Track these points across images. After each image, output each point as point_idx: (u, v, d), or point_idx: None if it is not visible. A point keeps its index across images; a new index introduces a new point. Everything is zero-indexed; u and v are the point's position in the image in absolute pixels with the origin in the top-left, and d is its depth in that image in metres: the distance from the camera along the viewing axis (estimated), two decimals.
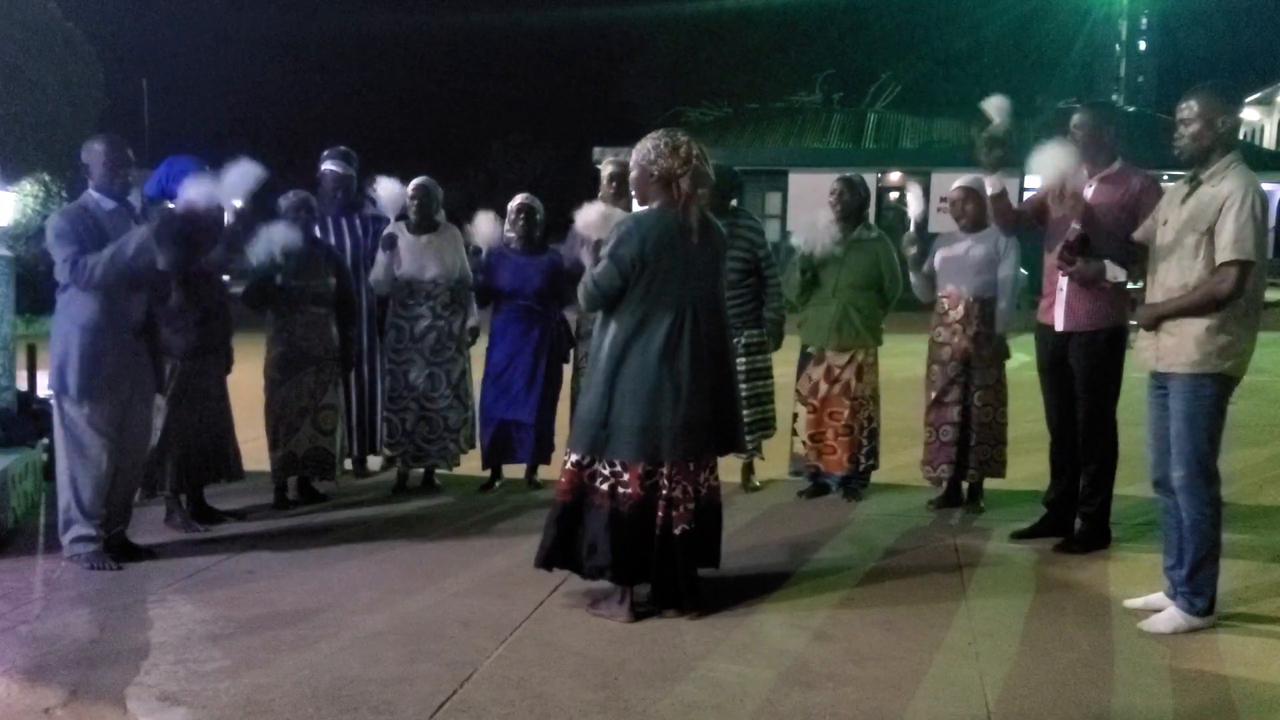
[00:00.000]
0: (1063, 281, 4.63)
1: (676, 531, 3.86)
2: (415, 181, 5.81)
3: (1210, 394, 3.77)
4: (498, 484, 5.93)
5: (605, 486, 3.87)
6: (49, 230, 4.35)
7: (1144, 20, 49.23)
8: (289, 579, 4.35)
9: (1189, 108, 3.78)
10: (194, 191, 4.43)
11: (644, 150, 3.89)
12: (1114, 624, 3.94)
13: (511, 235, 5.79)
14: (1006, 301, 5.24)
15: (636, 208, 4.05)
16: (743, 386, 5.51)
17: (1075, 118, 4.66)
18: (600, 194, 5.70)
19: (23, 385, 6.14)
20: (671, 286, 3.82)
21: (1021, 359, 5.44)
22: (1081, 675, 3.48)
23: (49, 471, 5.28)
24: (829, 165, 20.85)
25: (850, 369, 5.55)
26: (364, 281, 5.91)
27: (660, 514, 3.85)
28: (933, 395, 5.40)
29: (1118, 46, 43.59)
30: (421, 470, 5.92)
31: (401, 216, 5.80)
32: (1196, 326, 3.75)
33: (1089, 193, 4.59)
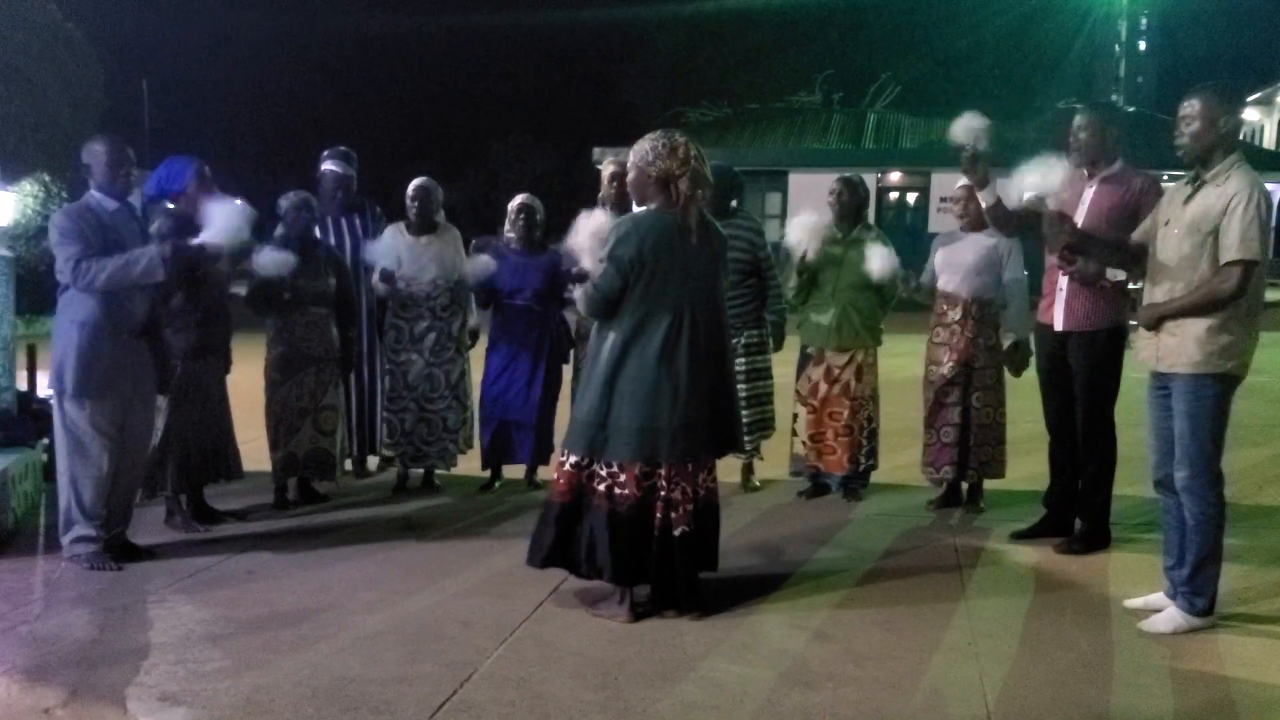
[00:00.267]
0: (1063, 281, 4.63)
1: (675, 532, 3.86)
2: (415, 182, 5.81)
3: (1212, 394, 3.76)
4: (497, 484, 5.93)
5: (603, 487, 3.87)
6: (53, 228, 4.35)
7: (1144, 20, 49.26)
8: (289, 579, 4.35)
9: (1191, 107, 3.77)
10: (216, 234, 4.45)
11: (642, 151, 3.89)
12: (1114, 624, 3.94)
13: (511, 235, 5.79)
14: (1017, 305, 5.24)
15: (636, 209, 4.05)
16: (742, 387, 5.53)
17: (1078, 118, 4.66)
18: (600, 194, 5.70)
19: (23, 385, 6.14)
20: (670, 287, 3.82)
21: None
22: (1081, 675, 3.48)
23: (49, 472, 5.28)
24: (829, 165, 20.88)
25: (850, 369, 5.56)
26: (364, 282, 5.91)
27: (659, 515, 3.85)
28: (932, 396, 5.40)
29: (1118, 47, 43.59)
30: (421, 470, 5.92)
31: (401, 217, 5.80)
32: (1198, 326, 3.75)
33: (1090, 193, 4.60)
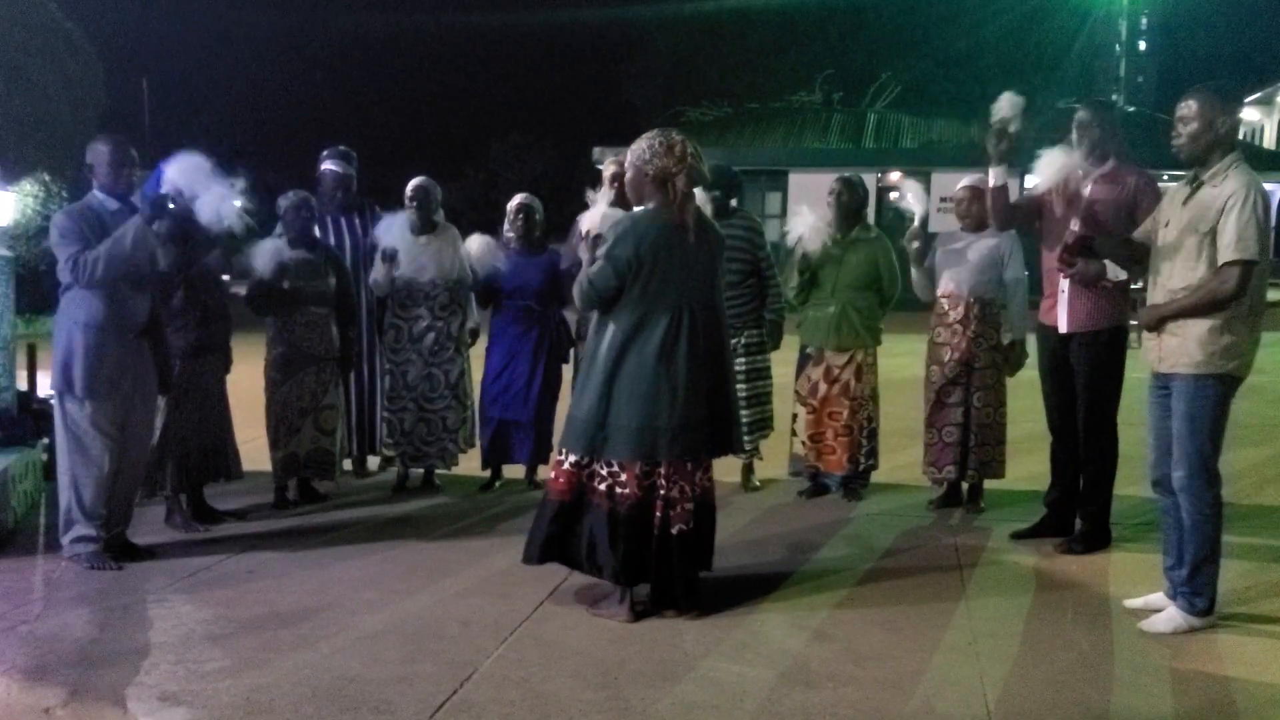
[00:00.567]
0: (1064, 283, 4.63)
1: (674, 531, 3.86)
2: (414, 182, 5.80)
3: (1213, 395, 3.76)
4: (497, 484, 5.93)
5: (603, 487, 3.87)
6: (53, 228, 4.36)
7: (1144, 20, 49.25)
8: (289, 579, 4.35)
9: (1188, 107, 3.77)
10: (188, 184, 4.45)
11: (639, 150, 3.90)
12: (1114, 624, 3.94)
13: (511, 235, 5.79)
14: (1018, 306, 5.24)
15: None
16: (742, 386, 5.53)
17: (1079, 116, 4.66)
18: (601, 194, 5.69)
19: (23, 385, 6.14)
20: (669, 287, 3.82)
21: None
22: (1081, 675, 3.48)
23: (49, 471, 5.28)
24: (829, 165, 20.85)
25: (849, 369, 5.55)
26: (364, 282, 5.91)
27: (658, 514, 3.85)
28: (934, 396, 5.40)
29: (1118, 46, 43.61)
30: (421, 470, 5.92)
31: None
32: (1199, 327, 3.74)
33: (1086, 191, 4.60)
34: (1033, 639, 3.78)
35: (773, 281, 5.69)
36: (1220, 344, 3.73)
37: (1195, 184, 3.83)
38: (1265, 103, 39.85)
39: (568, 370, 5.85)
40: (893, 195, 23.62)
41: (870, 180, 6.27)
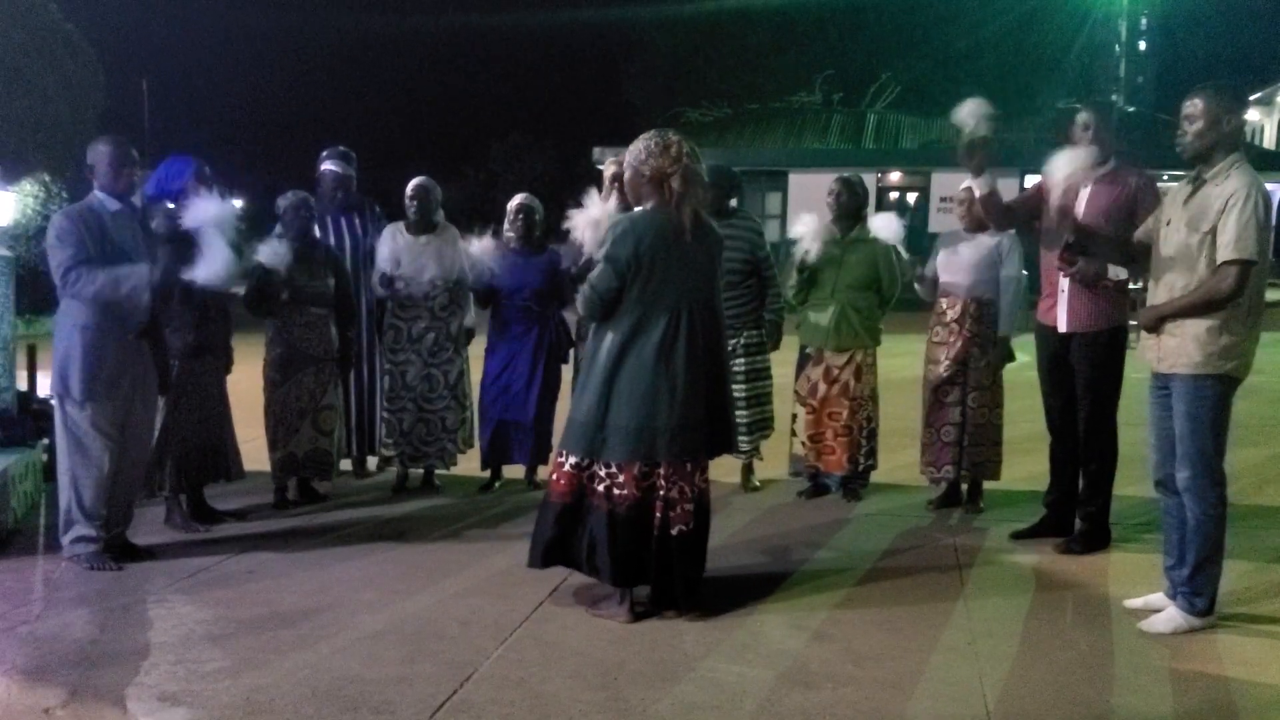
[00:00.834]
0: (1064, 282, 4.62)
1: (674, 532, 3.86)
2: (414, 181, 5.80)
3: (1213, 395, 3.76)
4: (497, 484, 5.93)
5: (602, 488, 3.87)
6: (51, 230, 4.35)
7: (1144, 21, 49.23)
8: (289, 579, 4.35)
9: (1193, 106, 3.76)
10: (208, 273, 4.46)
11: (635, 151, 3.90)
12: (1114, 624, 3.94)
13: (510, 235, 5.79)
14: (1007, 302, 5.23)
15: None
16: (742, 387, 5.54)
17: (1081, 117, 4.65)
18: (601, 194, 5.69)
19: (23, 385, 6.14)
20: (668, 287, 3.82)
21: (1023, 359, 5.43)
22: (1081, 675, 3.48)
23: (49, 472, 5.28)
24: (829, 165, 20.86)
25: (849, 369, 5.55)
26: (363, 282, 5.91)
27: (658, 515, 3.85)
28: (931, 395, 5.40)
29: (1117, 47, 43.59)
30: (421, 470, 5.92)
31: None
32: (1199, 327, 3.74)
33: (1086, 192, 4.60)
34: (1032, 639, 3.78)
35: (772, 282, 5.69)
36: (1219, 344, 3.72)
37: (1197, 183, 3.82)
38: (1265, 103, 39.88)
39: (567, 371, 5.85)
40: (893, 195, 23.65)
41: (870, 180, 6.28)
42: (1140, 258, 4.11)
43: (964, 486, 5.50)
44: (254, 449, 5.54)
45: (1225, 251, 3.66)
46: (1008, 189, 4.82)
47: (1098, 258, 4.29)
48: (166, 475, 4.99)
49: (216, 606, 4.01)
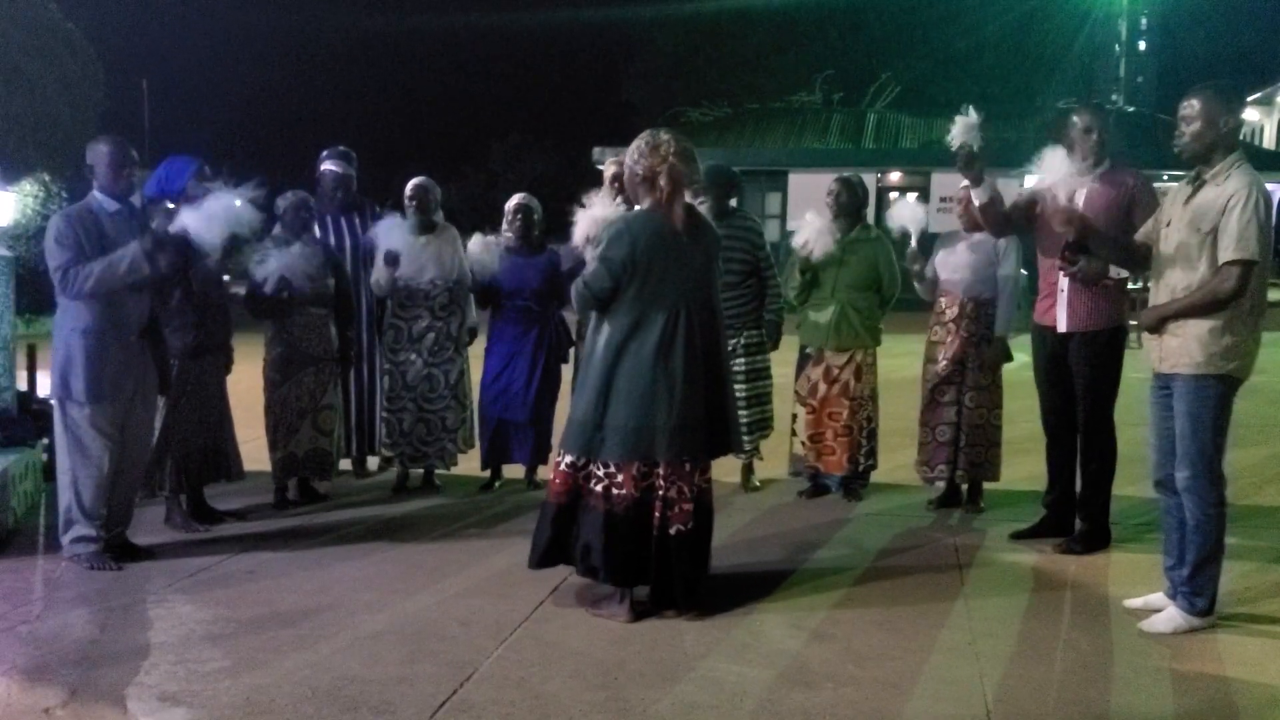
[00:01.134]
0: (1063, 282, 4.62)
1: (672, 532, 3.86)
2: (414, 181, 5.80)
3: (1214, 395, 3.76)
4: (497, 484, 5.93)
5: (600, 488, 3.87)
6: (49, 232, 4.35)
7: (1144, 21, 49.22)
8: (289, 579, 4.35)
9: (1191, 106, 3.77)
10: (191, 220, 4.41)
11: (630, 151, 3.93)
12: (1114, 624, 3.94)
13: (509, 235, 5.79)
14: (1005, 302, 5.23)
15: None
16: (742, 387, 5.54)
17: (1076, 120, 4.66)
18: (602, 194, 5.68)
19: (23, 385, 6.13)
20: (665, 287, 3.82)
21: (1022, 359, 5.44)
22: (1081, 675, 3.48)
23: (49, 472, 5.28)
24: (829, 165, 20.86)
25: (849, 369, 5.55)
26: (363, 282, 5.91)
27: (657, 515, 3.85)
28: (928, 395, 5.40)
29: (1117, 47, 43.60)
30: (421, 470, 5.92)
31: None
32: (1200, 328, 3.74)
33: (1081, 194, 4.60)
34: (1032, 639, 3.78)
35: (772, 282, 5.69)
36: (1221, 344, 3.72)
37: (1197, 183, 3.82)
38: (1265, 103, 39.86)
39: (567, 370, 5.85)
40: (892, 196, 23.65)
41: (870, 180, 6.27)
42: (1142, 258, 4.11)
43: (964, 487, 5.50)
44: (254, 449, 5.54)
45: (1227, 252, 3.66)
46: (1008, 189, 4.82)
47: (1100, 257, 4.29)
48: (166, 475, 4.99)
49: (216, 606, 4.01)
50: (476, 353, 5.95)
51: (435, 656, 3.54)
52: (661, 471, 3.84)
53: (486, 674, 3.42)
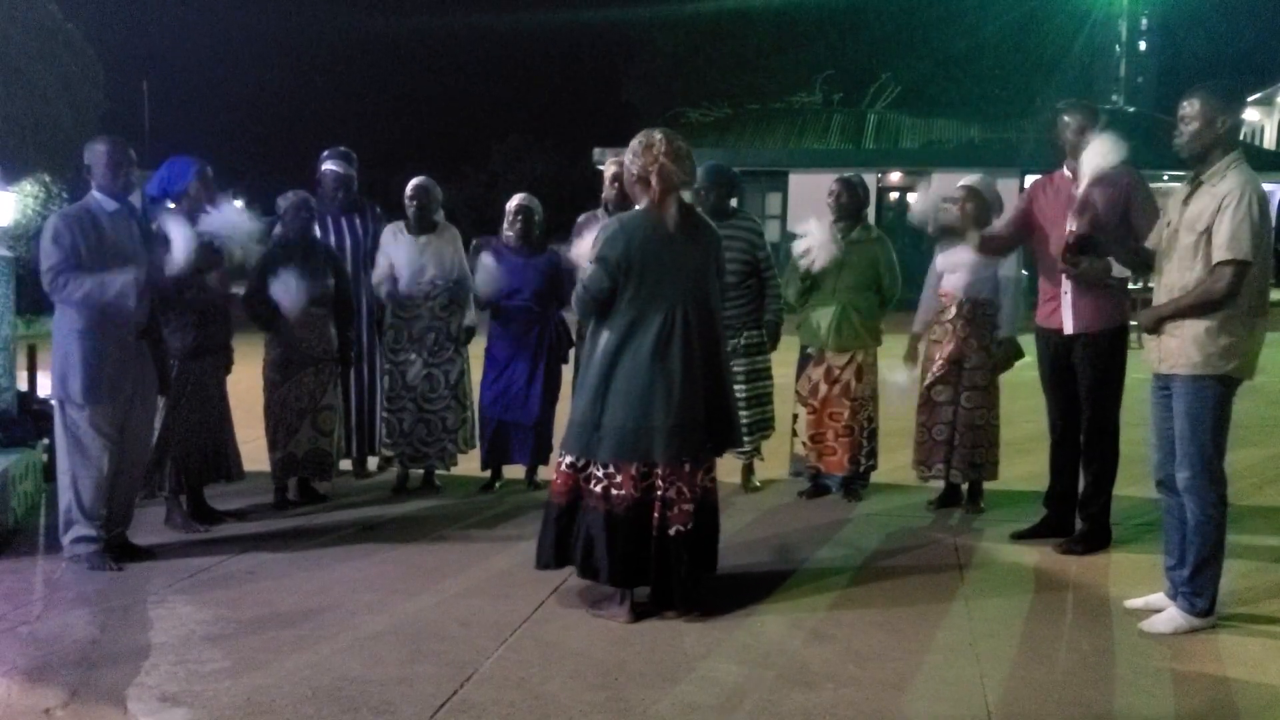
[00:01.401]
0: (1066, 285, 4.62)
1: (671, 532, 3.86)
2: (414, 182, 5.80)
3: (1213, 395, 3.76)
4: (497, 484, 5.93)
5: (599, 489, 3.87)
6: (45, 231, 4.34)
7: (1144, 21, 49.23)
8: (289, 579, 4.35)
9: (1189, 106, 3.78)
10: (183, 255, 4.43)
11: (627, 152, 3.93)
12: (1114, 624, 3.94)
13: (510, 235, 5.79)
14: (1007, 302, 5.23)
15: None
16: (743, 387, 5.53)
17: (1062, 119, 4.67)
18: (603, 195, 5.70)
19: (23, 386, 6.14)
20: (661, 287, 3.82)
21: (1025, 360, 5.43)
22: (1081, 676, 3.48)
23: (49, 472, 5.28)
24: (829, 166, 20.85)
25: (850, 370, 5.55)
26: (364, 282, 5.91)
27: (656, 515, 3.85)
28: (925, 394, 5.40)
29: (1118, 47, 43.60)
30: (421, 470, 5.92)
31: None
32: (1197, 328, 3.74)
33: (1078, 193, 4.60)
34: (1033, 639, 3.78)
35: (772, 282, 5.68)
36: (1218, 345, 3.72)
37: (1194, 184, 3.83)
38: (1265, 103, 39.86)
39: (567, 371, 5.85)
40: (893, 196, 23.64)
41: (870, 180, 6.26)
42: (1148, 261, 4.11)
43: (964, 487, 5.50)
44: (254, 449, 5.54)
45: (1220, 252, 3.67)
46: (1008, 189, 4.83)
47: (1107, 256, 4.29)
48: (166, 476, 4.99)
49: (216, 606, 4.01)
50: (476, 353, 5.95)
51: (435, 657, 3.54)
52: (660, 472, 3.84)
53: (487, 674, 3.42)
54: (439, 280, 5.70)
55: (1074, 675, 3.48)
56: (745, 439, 5.58)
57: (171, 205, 4.85)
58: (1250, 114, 39.76)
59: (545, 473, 5.78)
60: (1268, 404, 8.66)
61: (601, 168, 6.14)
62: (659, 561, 3.87)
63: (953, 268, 5.30)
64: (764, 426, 5.80)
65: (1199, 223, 3.74)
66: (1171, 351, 3.82)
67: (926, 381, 5.37)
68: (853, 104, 28.13)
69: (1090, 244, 4.31)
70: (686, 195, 4.01)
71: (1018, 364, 5.35)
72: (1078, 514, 4.85)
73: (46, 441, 5.46)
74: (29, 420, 5.63)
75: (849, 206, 5.57)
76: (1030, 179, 5.18)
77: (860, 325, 5.53)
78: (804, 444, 5.69)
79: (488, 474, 5.93)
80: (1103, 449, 4.73)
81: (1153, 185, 4.67)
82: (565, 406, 4.25)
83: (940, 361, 5.30)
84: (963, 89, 30.98)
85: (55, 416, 4.47)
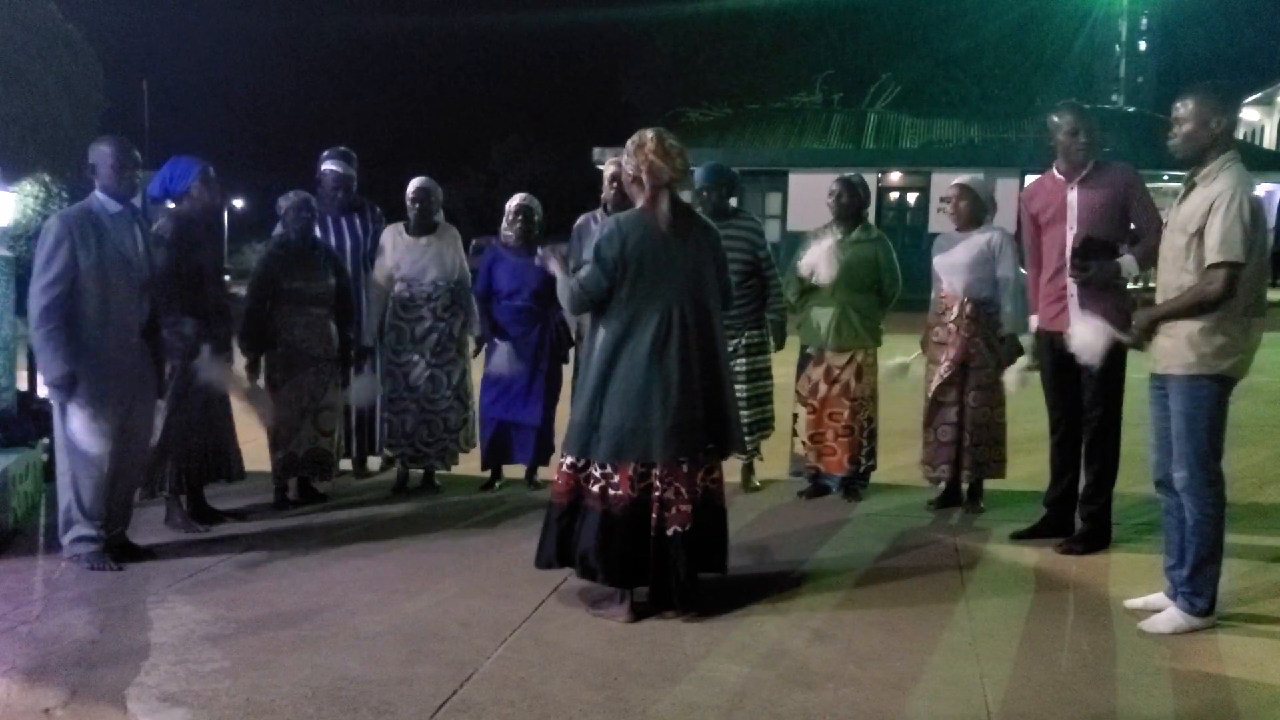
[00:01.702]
0: (1072, 288, 4.62)
1: (669, 533, 3.85)
2: (415, 182, 5.80)
3: (1208, 395, 3.77)
4: (498, 484, 5.93)
5: (597, 489, 3.87)
6: (48, 233, 4.33)
7: (1144, 21, 49.24)
8: (289, 579, 4.35)
9: (1183, 107, 3.80)
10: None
11: (623, 152, 3.94)
12: (1114, 624, 3.94)
13: (509, 235, 5.79)
14: (1010, 302, 5.23)
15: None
16: (743, 387, 5.53)
17: (1054, 119, 4.67)
18: (602, 195, 5.71)
19: (23, 385, 6.13)
20: (657, 287, 3.82)
21: (1024, 360, 5.43)
22: (1081, 676, 3.48)
23: (49, 472, 5.28)
24: (829, 165, 20.87)
25: (850, 369, 5.55)
26: (363, 282, 5.91)
27: (654, 516, 3.85)
28: (931, 396, 5.40)
29: (1118, 47, 43.63)
30: (421, 470, 5.92)
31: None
32: (1191, 328, 3.76)
33: (1073, 196, 4.61)
34: (1033, 639, 3.78)
35: (773, 282, 5.68)
36: (1213, 344, 3.73)
37: (1189, 184, 3.85)
38: (1265, 103, 39.85)
39: (568, 370, 5.85)
40: (893, 195, 23.58)
41: (870, 180, 6.26)
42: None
43: (964, 486, 5.50)
44: (254, 449, 5.54)
45: (1212, 255, 3.68)
46: (1008, 189, 4.83)
47: (1117, 258, 4.30)
48: (167, 475, 4.99)
49: (216, 606, 4.01)
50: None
51: (435, 657, 3.54)
52: (658, 472, 3.84)
53: (486, 674, 3.42)
54: (440, 281, 5.70)
55: (1074, 675, 3.48)
56: (745, 439, 5.58)
57: (172, 205, 4.85)
58: (1250, 114, 39.76)
59: (545, 473, 5.79)
60: (1267, 404, 8.66)
61: (601, 168, 6.14)
62: (657, 562, 3.87)
63: (949, 269, 5.31)
64: (764, 426, 5.80)
65: (1190, 224, 3.75)
66: (1167, 351, 3.83)
67: (933, 383, 5.37)
68: (853, 104, 28.14)
69: (1094, 248, 4.31)
70: (686, 195, 4.01)
71: (1021, 364, 5.34)
72: (1078, 513, 4.85)
73: (46, 441, 5.45)
74: (29, 420, 5.62)
75: (849, 207, 5.57)
76: (1030, 179, 5.16)
77: (860, 325, 5.53)
78: (804, 444, 5.69)
79: (488, 474, 5.93)
80: (1104, 449, 4.73)
81: (1152, 186, 4.68)
82: (566, 407, 4.25)
83: (946, 363, 5.30)
84: (963, 89, 31.02)
85: (55, 416, 4.47)
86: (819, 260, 5.44)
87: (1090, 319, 4.32)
